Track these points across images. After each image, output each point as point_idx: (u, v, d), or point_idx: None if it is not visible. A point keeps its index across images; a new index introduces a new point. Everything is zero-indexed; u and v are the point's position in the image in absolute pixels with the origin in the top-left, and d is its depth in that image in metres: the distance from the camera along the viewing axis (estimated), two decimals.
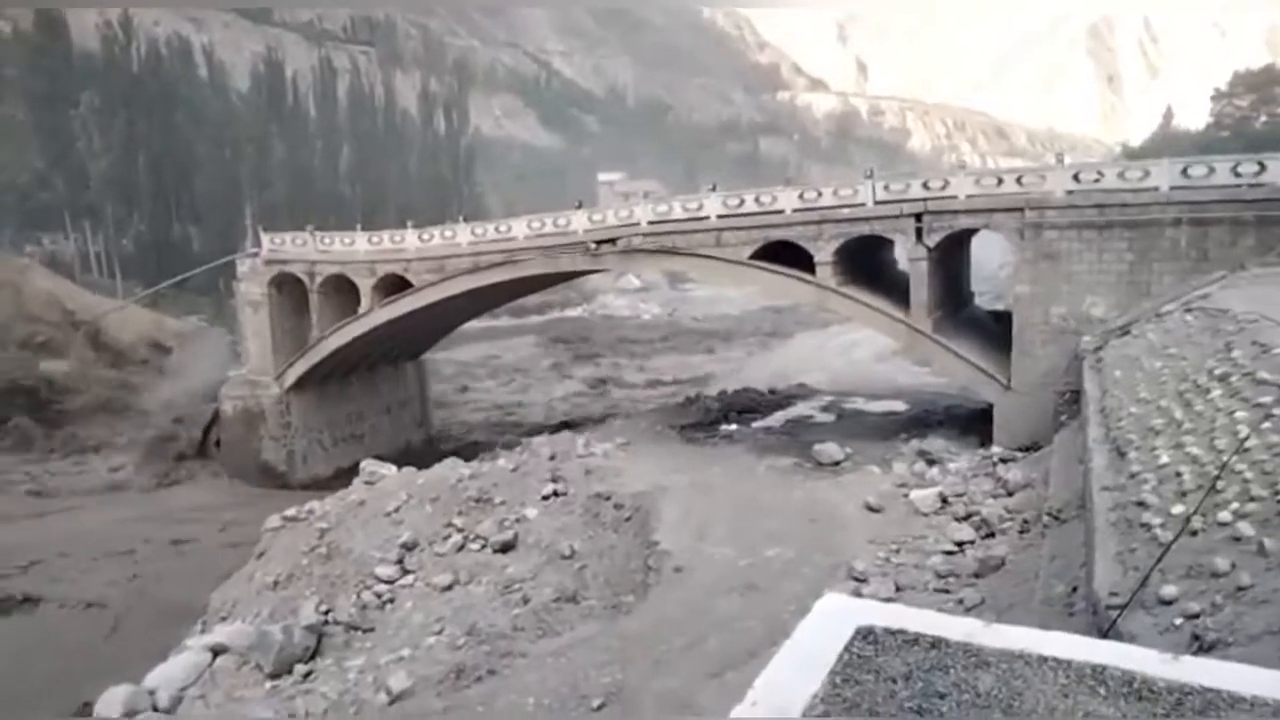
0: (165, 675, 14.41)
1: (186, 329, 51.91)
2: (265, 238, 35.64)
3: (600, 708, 10.85)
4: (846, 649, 4.01)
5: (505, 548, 18.60)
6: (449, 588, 17.24)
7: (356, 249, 33.90)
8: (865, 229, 26.38)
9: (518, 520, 19.52)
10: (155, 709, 13.67)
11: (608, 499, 19.66)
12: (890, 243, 29.35)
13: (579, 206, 31.18)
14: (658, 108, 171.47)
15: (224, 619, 17.34)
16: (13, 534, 26.81)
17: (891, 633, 4.22)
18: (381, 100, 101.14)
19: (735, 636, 12.44)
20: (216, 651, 14.99)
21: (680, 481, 20.64)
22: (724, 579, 14.84)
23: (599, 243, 29.48)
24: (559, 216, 30.77)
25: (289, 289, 34.87)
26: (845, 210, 26.44)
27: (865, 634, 4.15)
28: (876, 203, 26.12)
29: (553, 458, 23.29)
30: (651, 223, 28.95)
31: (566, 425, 33.86)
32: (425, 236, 32.92)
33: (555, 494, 20.72)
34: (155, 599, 22.35)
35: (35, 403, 39.97)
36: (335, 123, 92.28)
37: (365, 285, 33.25)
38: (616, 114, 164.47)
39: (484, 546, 18.72)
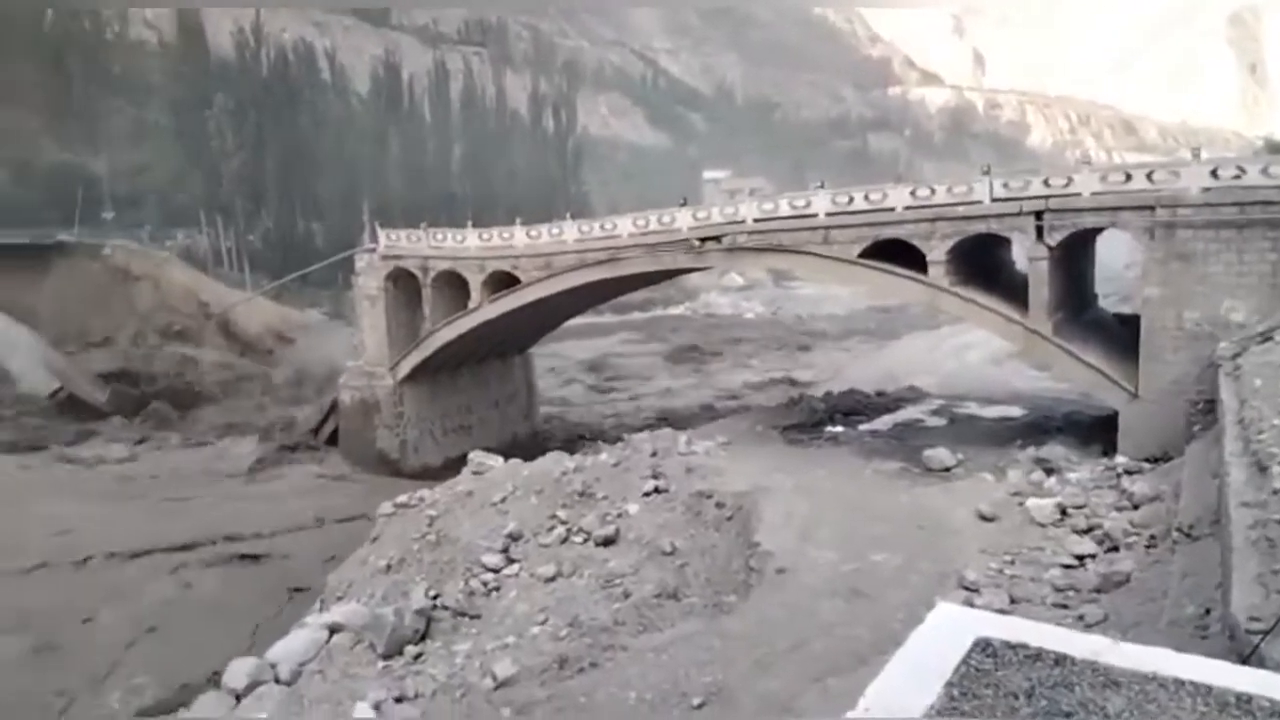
0: (286, 650, 15.17)
1: (308, 321, 54.52)
2: (382, 234, 37.03)
3: (700, 706, 10.86)
4: (964, 661, 3.88)
5: (607, 542, 18.80)
6: (552, 579, 17.55)
7: (467, 245, 34.85)
8: (981, 227, 25.49)
9: (619, 515, 19.70)
10: (277, 681, 14.42)
11: (709, 497, 19.61)
12: (1007, 242, 28.27)
13: (684, 204, 31.21)
14: (765, 105, 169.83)
15: (340, 599, 18.13)
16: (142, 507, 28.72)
17: (1011, 646, 4.06)
18: (492, 101, 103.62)
19: (840, 642, 12.24)
20: (333, 630, 15.69)
21: (783, 482, 20.42)
22: (828, 583, 14.62)
23: (703, 240, 29.44)
24: (664, 214, 30.88)
25: (403, 284, 36.14)
26: (960, 208, 25.61)
27: (983, 646, 4.01)
28: (994, 200, 25.20)
29: (654, 454, 23.39)
30: (757, 220, 28.73)
31: (666, 423, 33.98)
32: (533, 234, 33.56)
33: (656, 490, 20.82)
34: (275, 576, 23.52)
35: (172, 387, 42.68)
36: (448, 123, 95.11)
37: (475, 281, 34.15)
38: (723, 111, 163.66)
39: (586, 540, 18.97)
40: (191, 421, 40.33)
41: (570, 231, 32.68)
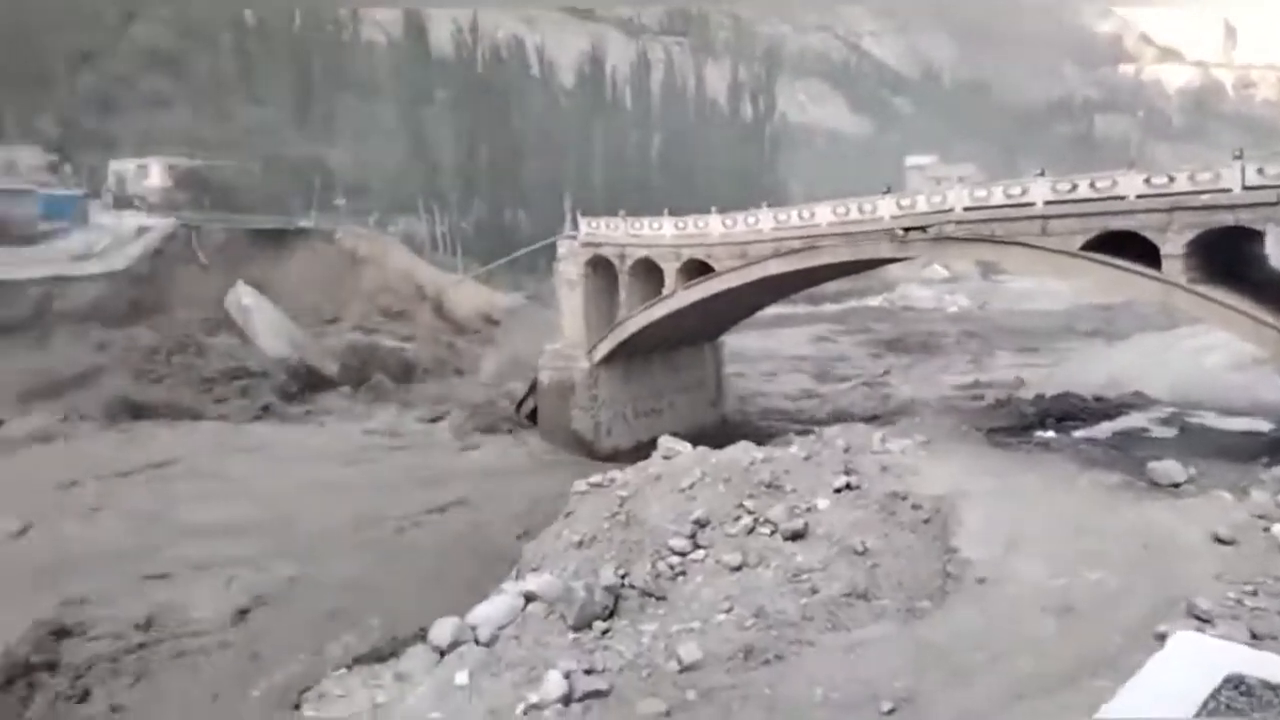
0: (485, 614, 16.05)
1: (512, 304, 57.29)
2: (582, 222, 38.20)
3: (891, 712, 10.48)
4: (1214, 696, 3.47)
5: (795, 536, 18.52)
6: (738, 568, 17.50)
7: (663, 234, 35.30)
8: (1229, 218, 22.86)
9: (808, 509, 19.35)
10: (476, 642, 15.28)
11: (904, 498, 18.87)
12: (1259, 235, 25.21)
13: (887, 192, 30.08)
14: (976, 87, 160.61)
15: (535, 570, 18.95)
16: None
17: (1271, 687, 3.59)
18: (692, 90, 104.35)
19: (1046, 660, 11.42)
20: (528, 598, 16.44)
21: (986, 487, 19.31)
22: (1034, 597, 13.68)
23: (907, 229, 28.26)
24: (865, 202, 29.90)
25: (602, 270, 37.15)
26: (1204, 197, 23.07)
27: (1236, 683, 3.57)
28: (1245, 188, 22.52)
29: (847, 450, 22.78)
30: (967, 209, 27.21)
31: (857, 418, 33.01)
32: (729, 222, 33.50)
33: (848, 487, 20.27)
34: (475, 543, 24.94)
35: (390, 362, 46.15)
36: (648, 113, 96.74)
37: (670, 269, 34.55)
38: (930, 95, 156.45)
39: (773, 532, 18.78)
40: (406, 394, 43.42)
41: (766, 220, 32.35)
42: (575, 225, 39.18)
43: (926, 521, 17.91)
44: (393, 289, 54.28)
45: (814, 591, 15.72)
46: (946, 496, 18.57)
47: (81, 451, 32.57)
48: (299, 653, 17.07)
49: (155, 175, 64.54)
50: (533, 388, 39.14)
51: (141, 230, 51.12)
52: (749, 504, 19.81)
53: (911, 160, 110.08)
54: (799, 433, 29.44)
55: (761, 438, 27.83)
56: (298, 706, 15.02)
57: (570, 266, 37.84)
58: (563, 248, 38.75)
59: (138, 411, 37.06)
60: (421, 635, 17.04)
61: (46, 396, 37.55)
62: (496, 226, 72.91)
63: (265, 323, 45.06)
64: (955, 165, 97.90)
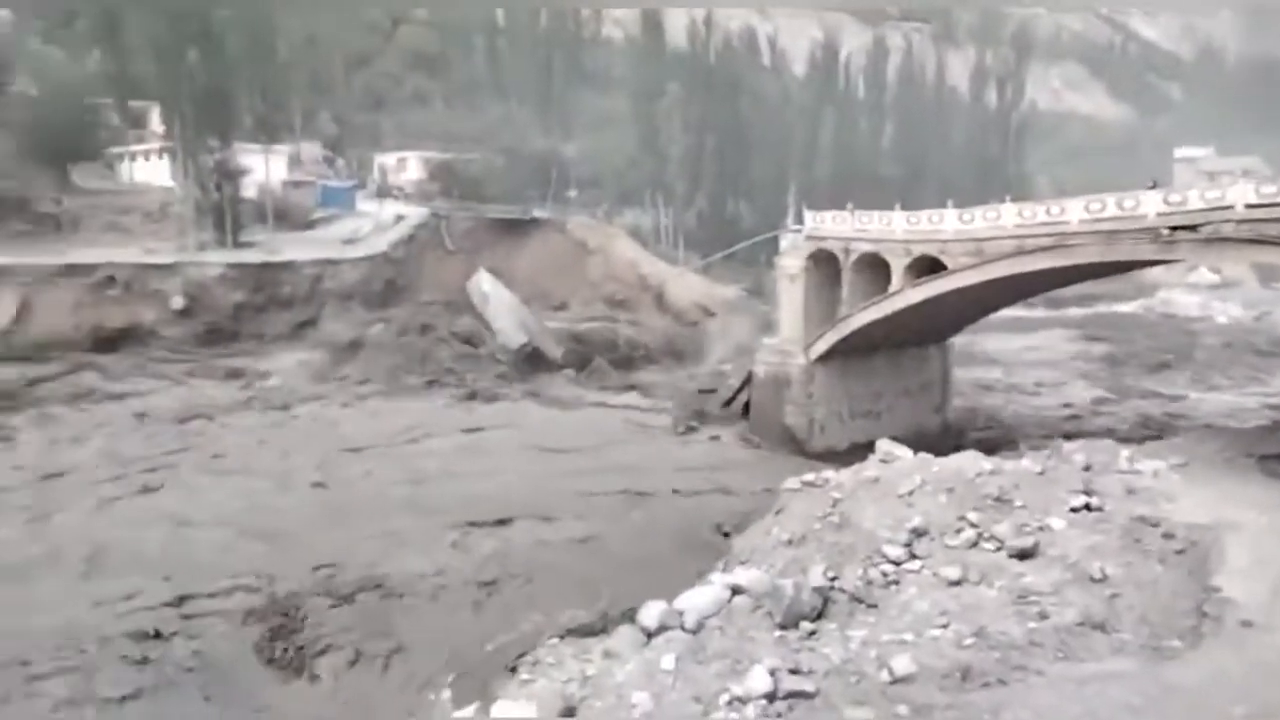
0: (692, 601, 16.20)
1: (730, 297, 57.49)
2: (808, 215, 37.55)
3: None
4: None
5: (1023, 555, 17.26)
6: (957, 583, 16.56)
7: (893, 228, 33.98)
8: None
9: (1040, 528, 17.96)
10: (683, 629, 15.48)
11: (1155, 525, 17.07)
12: None
13: (1152, 186, 27.24)
14: (1267, 67, 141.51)
15: (743, 563, 18.93)
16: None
17: None
18: (931, 77, 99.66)
19: None
20: (735, 591, 16.42)
21: (1256, 520, 17.07)
22: None
23: (1174, 229, 25.45)
24: (1125, 198, 27.22)
25: (824, 265, 36.36)
26: None
27: None
28: None
29: (1087, 468, 20.95)
30: (1251, 206, 24.09)
31: (1100, 434, 30.19)
32: (965, 217, 31.68)
33: (1087, 507, 18.63)
34: (683, 530, 25.32)
35: (612, 349, 47.81)
36: (882, 102, 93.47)
37: (898, 265, 33.22)
38: (1207, 78, 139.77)
39: (999, 548, 17.60)
40: (625, 381, 44.79)
41: (1008, 215, 30.29)
42: (799, 218, 38.59)
43: (1180, 553, 16.10)
44: (617, 278, 56.13)
45: (1043, 616, 14.57)
46: (1207, 527, 16.60)
47: (347, 416, 36.26)
48: (527, 617, 18.16)
49: (412, 167, 70.58)
50: (747, 381, 39.07)
51: (398, 218, 56.11)
52: (973, 517, 18.68)
53: (1181, 152, 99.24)
54: (1032, 446, 27.46)
55: (989, 448, 26.17)
56: (513, 669, 15.92)
57: (792, 260, 37.34)
58: (785, 241, 38.30)
59: (390, 382, 40.69)
60: (629, 616, 17.49)
61: (319, 367, 42.28)
62: (718, 219, 73.38)
63: (501, 307, 48.04)
64: (1235, 158, 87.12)
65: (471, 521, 24.58)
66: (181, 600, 19.59)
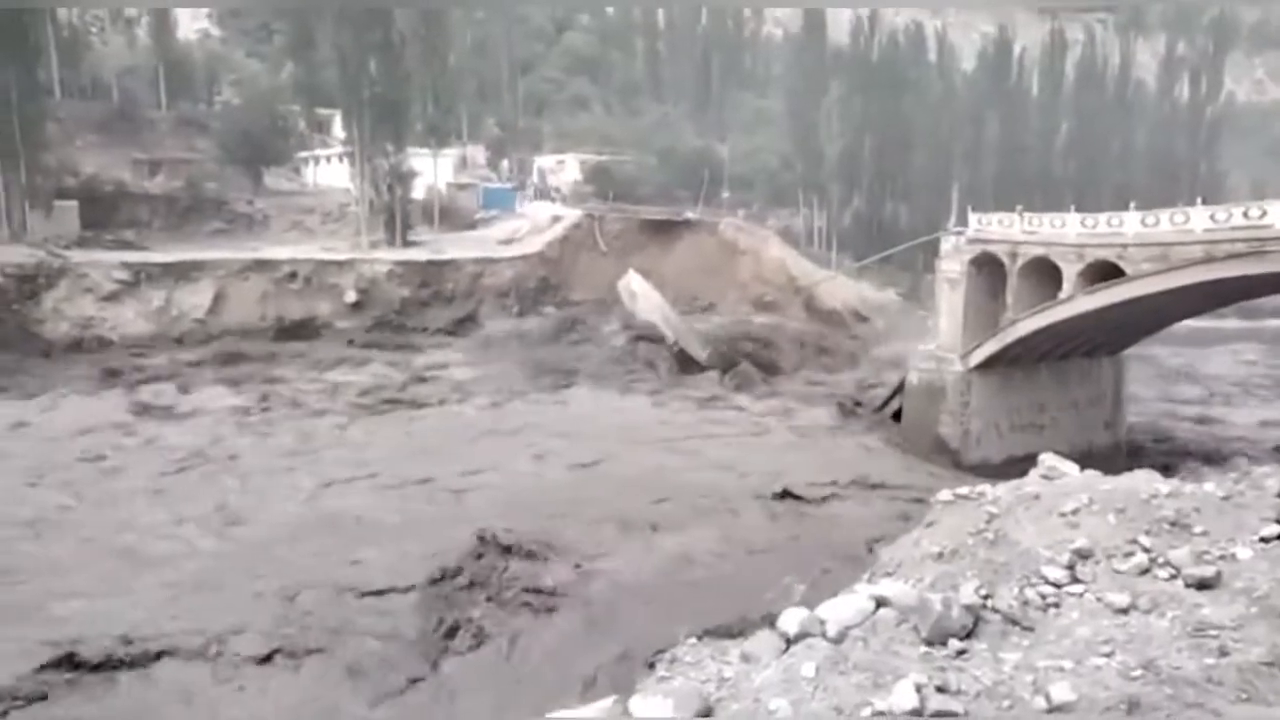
0: (834, 610, 15.77)
1: (883, 301, 55.88)
2: (973, 217, 35.98)
3: None
4: None
5: (1202, 585, 15.79)
6: (1124, 610, 15.33)
7: (1065, 231, 32.04)
8: None
9: (1222, 557, 16.35)
10: (824, 638, 15.17)
11: None
12: None
13: None
14: None
15: (888, 575, 18.29)
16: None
17: None
18: (1114, 70, 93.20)
19: None
20: (879, 603, 15.92)
21: None
22: None
23: None
24: None
25: (987, 269, 34.74)
26: None
27: None
28: None
29: None
30: None
31: None
32: (1149, 220, 29.47)
33: None
34: (826, 537, 24.77)
35: (758, 352, 47.41)
36: (1057, 98, 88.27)
37: (1070, 270, 31.30)
38: None
39: (1173, 576, 16.16)
40: (771, 384, 44.31)
41: (1199, 218, 27.95)
42: (962, 220, 37.02)
43: None
44: (767, 280, 55.60)
45: (1223, 653, 13.26)
46: None
47: (508, 407, 37.66)
48: (676, 617, 18.26)
49: (569, 170, 72.53)
50: (900, 388, 37.85)
51: (555, 219, 57.80)
52: (1145, 541, 17.22)
53: None
54: (1216, 468, 25.19)
55: (1165, 468, 24.20)
56: (652, 665, 16.05)
57: (952, 264, 35.87)
58: (946, 244, 36.84)
59: (541, 377, 41.91)
60: (767, 620, 17.30)
61: (478, 358, 44.15)
62: (875, 220, 71.43)
63: (649, 307, 48.60)
64: None
65: (621, 518, 24.96)
66: None
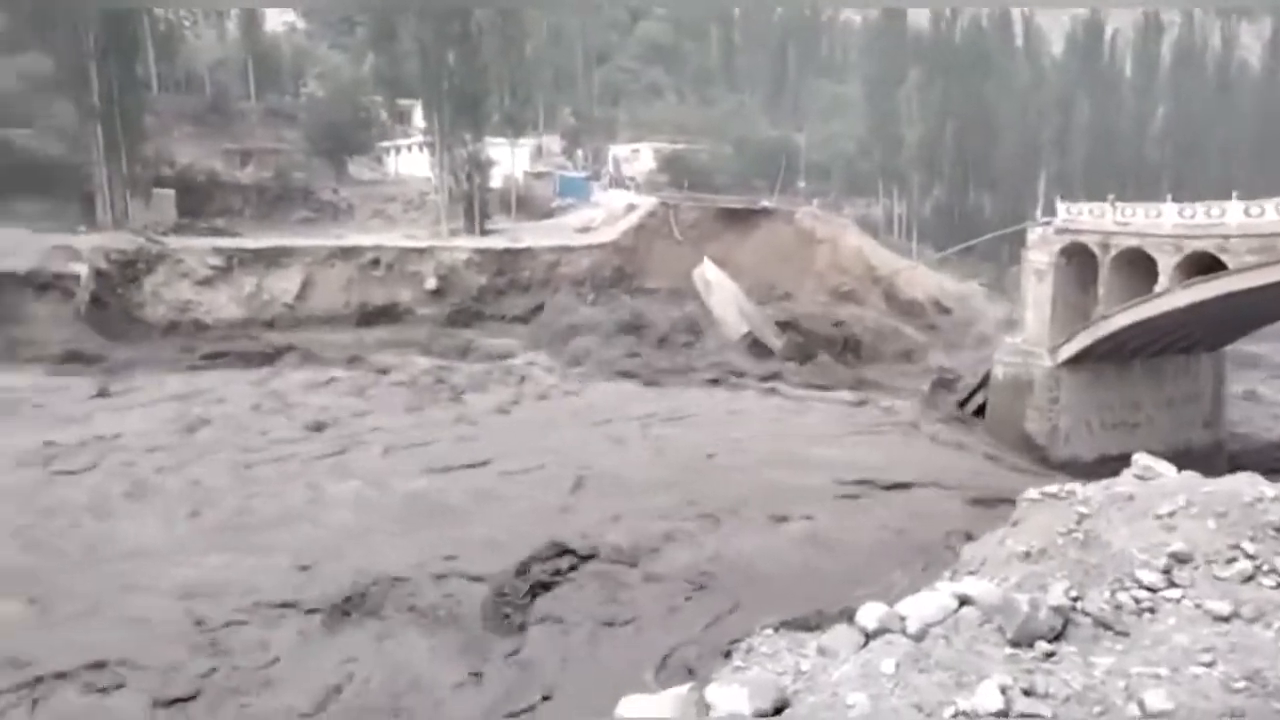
0: (916, 607, 15.43)
1: (966, 292, 54.43)
2: (1061, 206, 34.74)
3: None
4: None
5: None
6: (1226, 619, 14.66)
7: (1161, 222, 30.67)
8: None
9: None
10: (904, 634, 14.87)
11: None
12: None
13: None
14: None
15: (972, 573, 17.82)
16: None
17: None
18: (1215, 51, 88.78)
19: None
20: (963, 601, 15.54)
21: None
22: None
23: None
24: None
25: (1077, 261, 33.51)
26: None
27: None
28: None
29: None
30: None
31: None
32: (1253, 210, 27.99)
33: None
34: (907, 532, 24.31)
35: (835, 342, 46.72)
36: (1152, 82, 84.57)
37: (1166, 263, 29.96)
38: None
39: None
40: (849, 375, 43.62)
41: None
42: (1050, 210, 35.78)
43: None
44: (844, 270, 54.75)
45: None
46: None
47: (583, 396, 37.84)
48: (755, 605, 18.23)
49: (644, 158, 72.49)
50: (984, 382, 36.83)
51: (629, 208, 57.90)
52: (1249, 547, 16.40)
53: None
54: None
55: (1271, 471, 23.06)
56: (727, 654, 16.00)
57: (1040, 255, 34.68)
58: (1034, 234, 35.64)
59: (614, 366, 41.96)
60: (845, 614, 17.09)
61: (555, 346, 44.46)
62: (957, 210, 69.64)
63: (724, 297, 48.34)
64: None
65: (699, 508, 24.94)
66: None
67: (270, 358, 38.89)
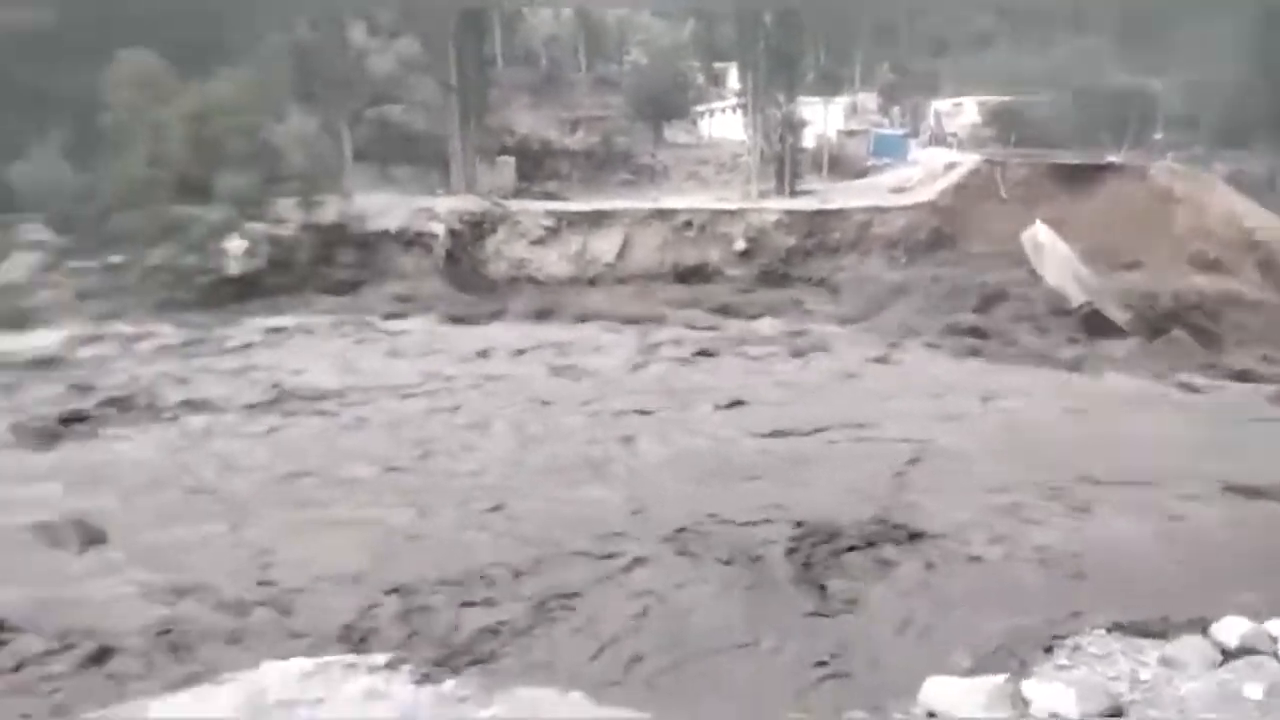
0: None
1: None
2: None
3: None
4: None
5: None
6: None
7: None
8: None
9: None
10: (1276, 657, 12.80)
11: None
12: None
13: None
14: None
15: None
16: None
17: None
18: None
19: None
20: None
21: None
22: None
23: None
24: None
25: None
26: None
27: None
28: None
29: None
30: None
31: None
32: None
33: None
34: (1273, 541, 20.91)
35: (1194, 318, 40.72)
36: None
37: None
38: None
39: None
40: (1211, 357, 37.77)
41: None
42: None
43: None
44: (1210, 234, 47.42)
45: None
46: None
47: (896, 366, 36.20)
48: (1094, 601, 16.70)
49: (968, 113, 67.66)
50: None
51: (949, 166, 54.42)
52: None
53: None
54: None
55: None
56: (1049, 650, 14.78)
57: None
58: None
59: (938, 332, 39.51)
60: (1197, 624, 15.04)
61: (865, 310, 43.15)
62: None
63: (1058, 263, 43.94)
64: None
65: (1047, 495, 23.11)
66: None
67: (637, 320, 40.24)
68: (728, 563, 18.67)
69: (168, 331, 36.05)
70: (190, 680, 10.48)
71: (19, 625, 13.56)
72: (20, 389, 28.01)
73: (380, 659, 10.70)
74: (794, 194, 53.81)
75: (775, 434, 26.98)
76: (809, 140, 57.83)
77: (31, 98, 45.25)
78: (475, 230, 47.98)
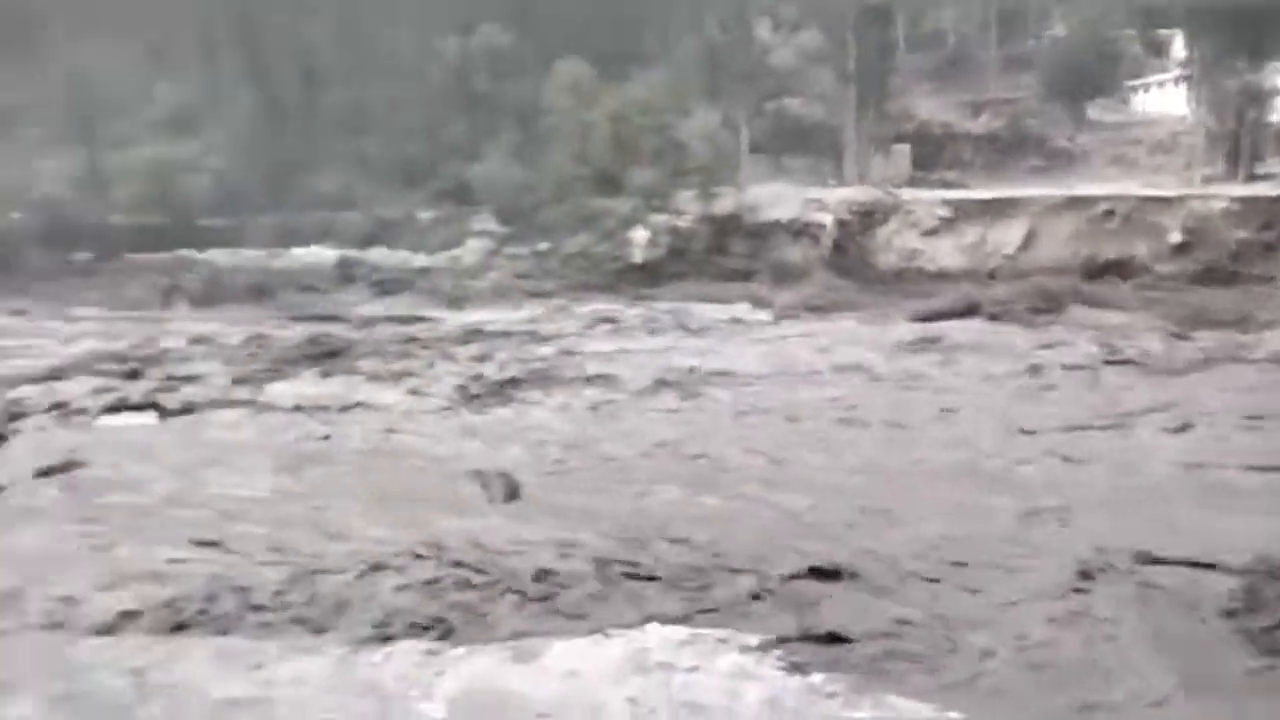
0: None
1: None
2: None
3: None
4: None
5: None
6: None
7: None
8: None
9: None
10: None
11: None
12: None
13: None
14: None
15: None
16: None
17: None
18: None
19: None
20: None
21: None
22: None
23: None
24: None
25: None
26: None
27: None
28: None
29: None
30: None
31: None
32: None
33: None
34: None
35: None
36: None
37: None
38: None
39: None
40: None
41: None
42: None
43: None
44: None
45: None
46: None
47: None
48: None
49: None
50: None
51: None
52: None
53: None
54: None
55: None
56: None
57: None
58: None
59: None
60: None
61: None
62: None
63: None
64: None
65: None
66: None
67: (1042, 312, 34.89)
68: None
69: (598, 310, 38.96)
70: (574, 631, 11.22)
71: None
72: (486, 356, 31.68)
73: (753, 639, 10.86)
74: (1250, 178, 45.26)
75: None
76: (1276, 114, 48.19)
77: (488, 106, 53.23)
78: (865, 220, 46.98)
